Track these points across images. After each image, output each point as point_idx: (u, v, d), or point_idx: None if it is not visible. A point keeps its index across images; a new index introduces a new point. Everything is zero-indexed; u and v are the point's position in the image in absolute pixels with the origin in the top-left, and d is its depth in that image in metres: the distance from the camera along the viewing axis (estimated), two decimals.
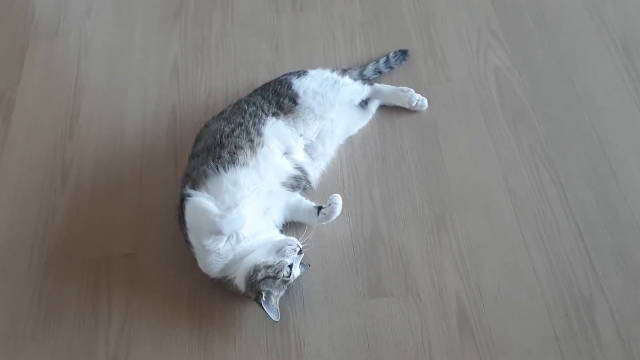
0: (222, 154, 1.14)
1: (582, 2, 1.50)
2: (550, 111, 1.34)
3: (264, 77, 1.44)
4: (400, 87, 1.36)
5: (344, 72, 1.36)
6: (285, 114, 1.24)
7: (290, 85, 1.27)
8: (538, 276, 1.13)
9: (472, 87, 1.39)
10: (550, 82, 1.38)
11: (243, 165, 1.14)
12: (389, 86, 1.37)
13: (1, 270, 1.23)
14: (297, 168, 1.21)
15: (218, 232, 1.08)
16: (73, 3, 1.66)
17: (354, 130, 1.34)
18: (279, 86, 1.28)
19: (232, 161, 1.13)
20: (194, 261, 1.15)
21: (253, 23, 1.57)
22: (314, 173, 1.25)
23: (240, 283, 1.10)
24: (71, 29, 1.60)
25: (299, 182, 1.21)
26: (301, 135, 1.24)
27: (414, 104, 1.34)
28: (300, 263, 1.13)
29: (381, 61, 1.41)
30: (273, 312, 1.08)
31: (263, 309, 1.07)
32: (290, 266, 1.09)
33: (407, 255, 1.17)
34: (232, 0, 1.61)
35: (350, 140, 1.34)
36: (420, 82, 1.41)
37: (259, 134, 1.19)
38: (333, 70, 1.34)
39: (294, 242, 1.11)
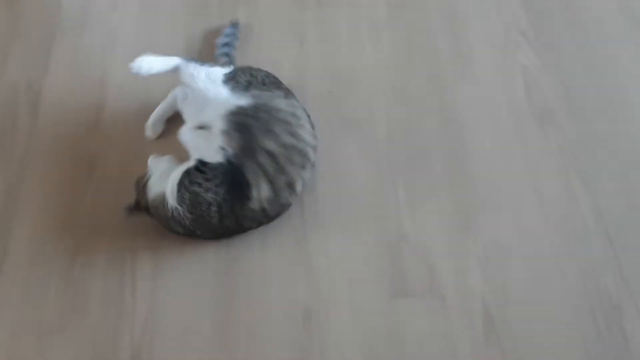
0: None
1: (616, 2, 1.47)
2: (580, 113, 1.32)
3: (288, 73, 1.43)
4: None
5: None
6: None
7: None
8: (566, 281, 1.11)
9: (500, 86, 1.38)
10: (581, 83, 1.36)
11: None
12: None
13: (29, 259, 1.25)
14: None
15: None
16: None
17: None
18: None
19: None
20: (218, 255, 1.17)
21: (278, 18, 1.57)
22: None
23: None
24: (97, 23, 1.62)
25: None
26: None
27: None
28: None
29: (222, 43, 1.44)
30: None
31: None
32: None
33: (431, 255, 1.17)
34: None
35: (374, 137, 1.33)
36: (446, 80, 1.39)
37: None
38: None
39: None
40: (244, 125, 1.17)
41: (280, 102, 1.23)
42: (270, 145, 1.15)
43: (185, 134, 1.21)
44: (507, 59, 1.42)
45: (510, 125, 1.32)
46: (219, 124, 1.18)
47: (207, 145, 1.16)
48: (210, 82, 1.21)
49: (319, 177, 1.29)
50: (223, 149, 1.15)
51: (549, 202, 1.21)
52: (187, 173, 1.14)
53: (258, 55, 1.50)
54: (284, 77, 1.40)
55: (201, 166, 1.14)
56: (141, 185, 1.20)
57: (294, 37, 1.52)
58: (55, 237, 1.27)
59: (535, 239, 1.17)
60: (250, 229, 1.19)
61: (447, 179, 1.26)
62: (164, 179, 1.18)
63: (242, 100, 1.20)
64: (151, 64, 1.25)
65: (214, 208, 1.13)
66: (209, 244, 1.21)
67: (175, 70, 1.27)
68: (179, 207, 1.14)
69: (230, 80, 1.24)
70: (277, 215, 1.20)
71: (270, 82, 1.29)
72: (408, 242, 1.19)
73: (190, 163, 1.16)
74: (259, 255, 1.20)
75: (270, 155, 1.15)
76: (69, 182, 1.35)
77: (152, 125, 1.37)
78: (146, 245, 1.23)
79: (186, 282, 1.19)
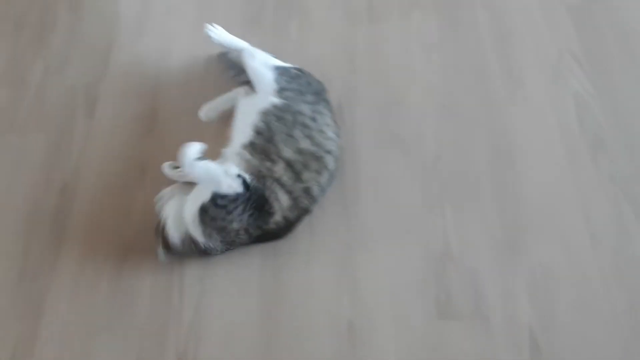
0: None
1: None
2: (633, 141, 1.30)
3: (337, 87, 1.45)
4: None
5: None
6: None
7: None
8: (615, 312, 1.10)
9: (551, 110, 1.37)
10: (635, 110, 1.34)
11: None
12: None
13: (80, 257, 1.29)
14: None
15: None
16: (156, 6, 1.72)
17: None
18: None
19: None
20: (264, 263, 1.20)
21: (329, 33, 1.59)
22: None
23: None
24: (153, 30, 1.66)
25: None
26: None
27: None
28: None
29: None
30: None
31: None
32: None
33: (478, 277, 1.17)
34: (310, 10, 1.64)
35: (422, 155, 1.34)
36: (497, 101, 1.39)
37: None
38: None
39: None
40: (269, 130, 1.23)
41: (304, 107, 1.27)
42: (288, 152, 1.20)
43: (196, 166, 1.15)
44: (559, 83, 1.41)
45: (561, 150, 1.31)
46: (252, 123, 1.24)
47: (221, 178, 1.14)
48: (263, 64, 1.34)
49: (365, 191, 1.30)
50: (239, 176, 1.16)
51: (600, 231, 1.19)
52: (204, 210, 1.14)
53: (308, 68, 1.52)
54: (333, 91, 1.43)
55: (220, 200, 1.13)
56: (160, 232, 1.20)
57: (344, 52, 1.54)
58: (106, 238, 1.31)
59: (584, 267, 1.16)
60: (278, 236, 1.23)
61: (495, 201, 1.25)
62: (181, 218, 1.18)
63: (276, 99, 1.28)
64: (222, 35, 1.46)
65: (241, 233, 1.18)
66: (256, 253, 1.24)
67: (239, 51, 1.40)
68: (209, 243, 1.18)
69: (280, 71, 1.34)
70: (298, 219, 1.22)
71: (309, 88, 1.33)
72: (454, 262, 1.19)
73: (203, 196, 1.14)
74: (305, 266, 1.22)
75: (288, 164, 1.19)
76: (121, 184, 1.39)
77: (207, 109, 1.43)
78: None
79: (232, 288, 1.22)
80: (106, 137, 1.47)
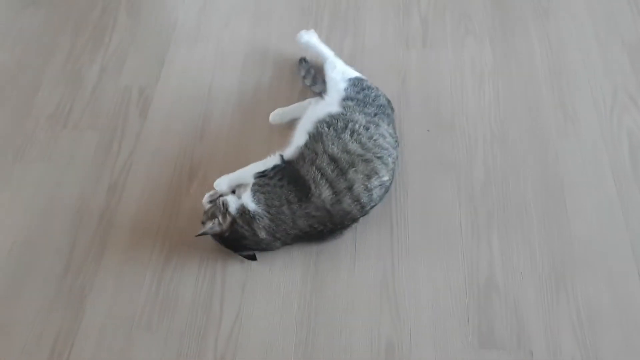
0: None
1: None
2: None
3: None
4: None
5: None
6: None
7: None
8: None
9: (604, 147, 1.36)
10: None
11: None
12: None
13: (126, 256, 1.31)
14: None
15: None
16: (213, 15, 1.76)
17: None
18: None
19: None
20: (305, 277, 1.20)
21: (382, 54, 1.60)
22: None
23: None
24: (209, 38, 1.70)
25: None
26: None
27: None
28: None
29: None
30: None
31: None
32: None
33: (522, 310, 1.15)
34: (364, 29, 1.66)
35: (470, 180, 1.34)
36: (548, 133, 1.39)
37: None
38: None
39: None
40: (319, 134, 1.29)
41: (360, 116, 1.31)
42: (333, 150, 1.26)
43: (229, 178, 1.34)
44: (613, 120, 1.40)
45: (612, 188, 1.29)
46: (307, 130, 1.31)
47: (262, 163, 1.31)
48: (341, 73, 1.43)
49: (412, 212, 1.30)
50: (281, 155, 1.29)
51: None
52: (254, 184, 1.26)
53: None
54: None
55: (260, 174, 1.28)
56: (221, 205, 1.25)
57: (396, 73, 1.55)
58: (151, 238, 1.33)
59: (632, 308, 1.14)
60: (320, 233, 1.24)
61: (543, 233, 1.24)
62: (237, 199, 1.26)
63: (334, 108, 1.34)
64: (311, 40, 1.54)
65: (284, 205, 1.22)
66: (298, 265, 1.24)
67: (324, 59, 1.50)
68: (258, 209, 1.23)
69: (353, 82, 1.40)
70: (342, 222, 1.24)
71: (375, 102, 1.37)
72: (499, 292, 1.18)
73: (251, 181, 1.28)
74: (346, 283, 1.23)
75: (332, 159, 1.24)
76: (170, 185, 1.41)
77: (277, 113, 1.47)
78: (238, 257, 1.27)
79: (273, 299, 1.22)
80: (157, 139, 1.50)
